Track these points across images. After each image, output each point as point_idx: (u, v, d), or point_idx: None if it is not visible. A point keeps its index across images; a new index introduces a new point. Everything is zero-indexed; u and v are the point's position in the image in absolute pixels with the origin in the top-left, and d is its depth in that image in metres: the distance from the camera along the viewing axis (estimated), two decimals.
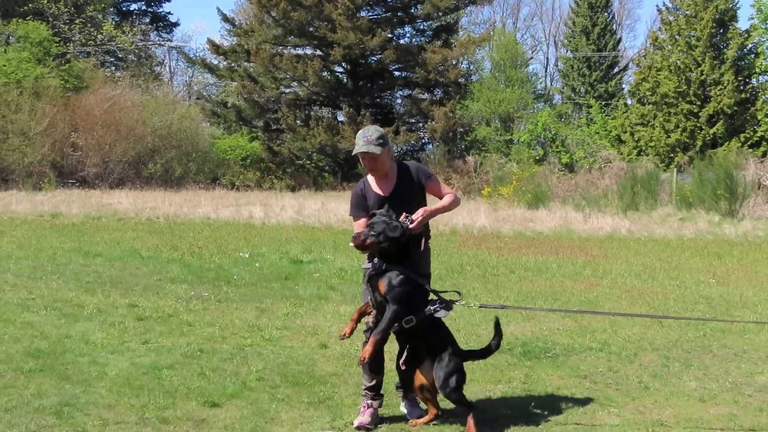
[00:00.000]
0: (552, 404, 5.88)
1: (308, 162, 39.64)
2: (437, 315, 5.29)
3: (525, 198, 26.72)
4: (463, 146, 41.27)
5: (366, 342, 5.40)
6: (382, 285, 5.25)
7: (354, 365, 6.87)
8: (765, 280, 12.53)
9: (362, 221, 5.60)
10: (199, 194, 29.39)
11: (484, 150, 41.21)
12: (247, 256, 14.02)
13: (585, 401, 6.00)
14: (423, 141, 41.46)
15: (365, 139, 5.51)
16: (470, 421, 5.21)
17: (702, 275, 12.92)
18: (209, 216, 21.82)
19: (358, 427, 5.38)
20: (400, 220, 5.39)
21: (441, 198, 5.83)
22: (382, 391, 5.69)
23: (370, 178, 5.77)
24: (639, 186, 27.93)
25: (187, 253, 14.19)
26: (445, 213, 6.00)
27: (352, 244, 5.38)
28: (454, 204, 5.79)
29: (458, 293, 5.62)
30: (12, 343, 7.35)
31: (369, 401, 5.56)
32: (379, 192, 5.68)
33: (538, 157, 38.41)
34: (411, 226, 5.38)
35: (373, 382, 5.60)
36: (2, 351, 7.05)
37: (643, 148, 37.37)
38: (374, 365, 5.52)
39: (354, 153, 5.62)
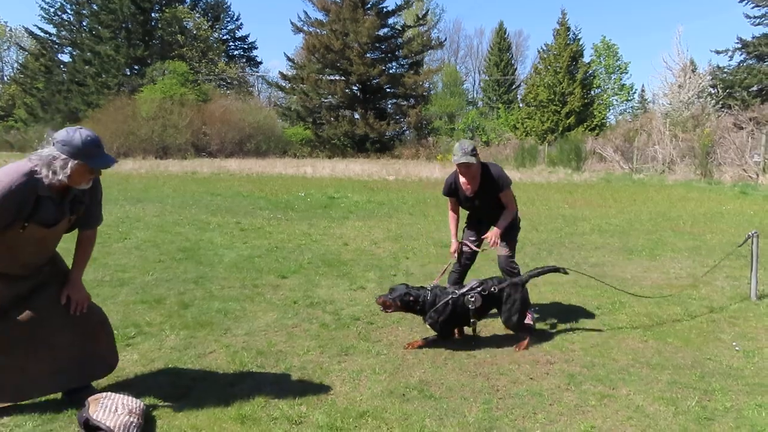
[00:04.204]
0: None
1: (338, 141, 39.28)
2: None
3: None
4: (426, 132, 40.77)
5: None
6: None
7: (363, 255, 6.85)
8: (596, 206, 12.48)
9: (452, 199, 4.29)
10: (275, 160, 29.12)
11: (438, 134, 40.81)
12: (303, 194, 13.94)
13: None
14: (403, 129, 41.02)
15: (462, 151, 3.91)
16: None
17: (560, 203, 12.86)
18: (281, 172, 21.64)
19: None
20: (478, 245, 4.17)
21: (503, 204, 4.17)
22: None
23: (458, 174, 4.20)
24: (526, 153, 27.80)
25: (269, 193, 14.09)
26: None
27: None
28: (511, 216, 4.18)
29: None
30: (169, 243, 7.33)
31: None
32: (465, 191, 4.16)
33: (469, 138, 38.02)
34: (491, 245, 4.10)
35: None
36: (164, 248, 7.02)
37: (529, 132, 37.05)
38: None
39: (454, 162, 3.96)
